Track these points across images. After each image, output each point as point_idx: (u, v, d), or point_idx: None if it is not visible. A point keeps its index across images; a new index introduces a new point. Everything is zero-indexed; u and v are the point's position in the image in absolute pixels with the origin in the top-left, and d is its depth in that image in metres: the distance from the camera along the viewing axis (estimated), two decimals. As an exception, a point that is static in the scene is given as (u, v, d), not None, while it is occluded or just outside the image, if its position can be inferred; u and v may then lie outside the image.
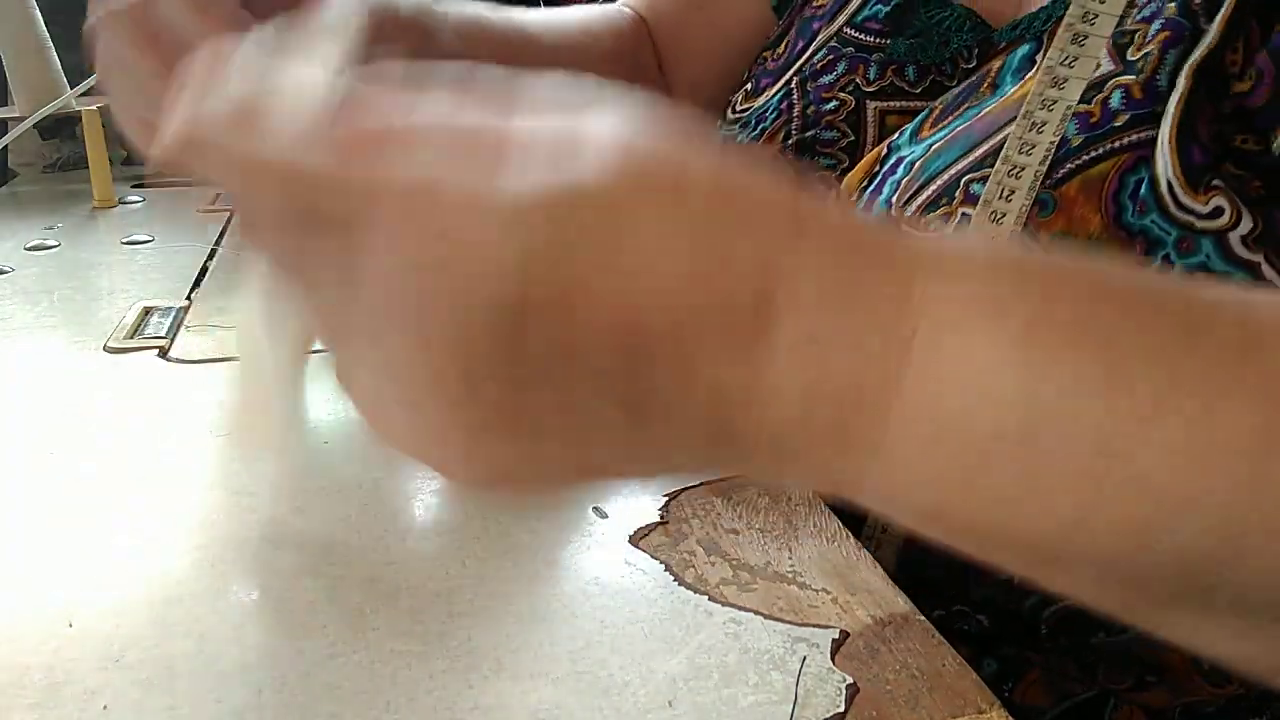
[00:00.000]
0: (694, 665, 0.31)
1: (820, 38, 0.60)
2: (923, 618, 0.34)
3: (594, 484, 0.24)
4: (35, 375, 0.55)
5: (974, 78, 0.51)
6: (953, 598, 0.45)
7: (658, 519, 0.40)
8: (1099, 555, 0.21)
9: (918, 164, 0.48)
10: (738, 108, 0.62)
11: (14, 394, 0.53)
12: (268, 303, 0.29)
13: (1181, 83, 0.41)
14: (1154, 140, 0.41)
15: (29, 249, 0.79)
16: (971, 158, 0.46)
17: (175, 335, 0.60)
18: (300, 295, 0.24)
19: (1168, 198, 0.40)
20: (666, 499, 0.41)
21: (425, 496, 0.42)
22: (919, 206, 0.47)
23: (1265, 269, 0.40)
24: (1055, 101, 0.43)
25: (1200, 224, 0.40)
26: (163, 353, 0.58)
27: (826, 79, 0.57)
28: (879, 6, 0.58)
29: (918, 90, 0.54)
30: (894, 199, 0.48)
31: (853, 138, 0.55)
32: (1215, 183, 0.40)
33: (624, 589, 0.35)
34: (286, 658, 0.32)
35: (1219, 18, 0.41)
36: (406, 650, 0.32)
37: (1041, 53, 0.47)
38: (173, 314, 0.64)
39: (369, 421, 0.24)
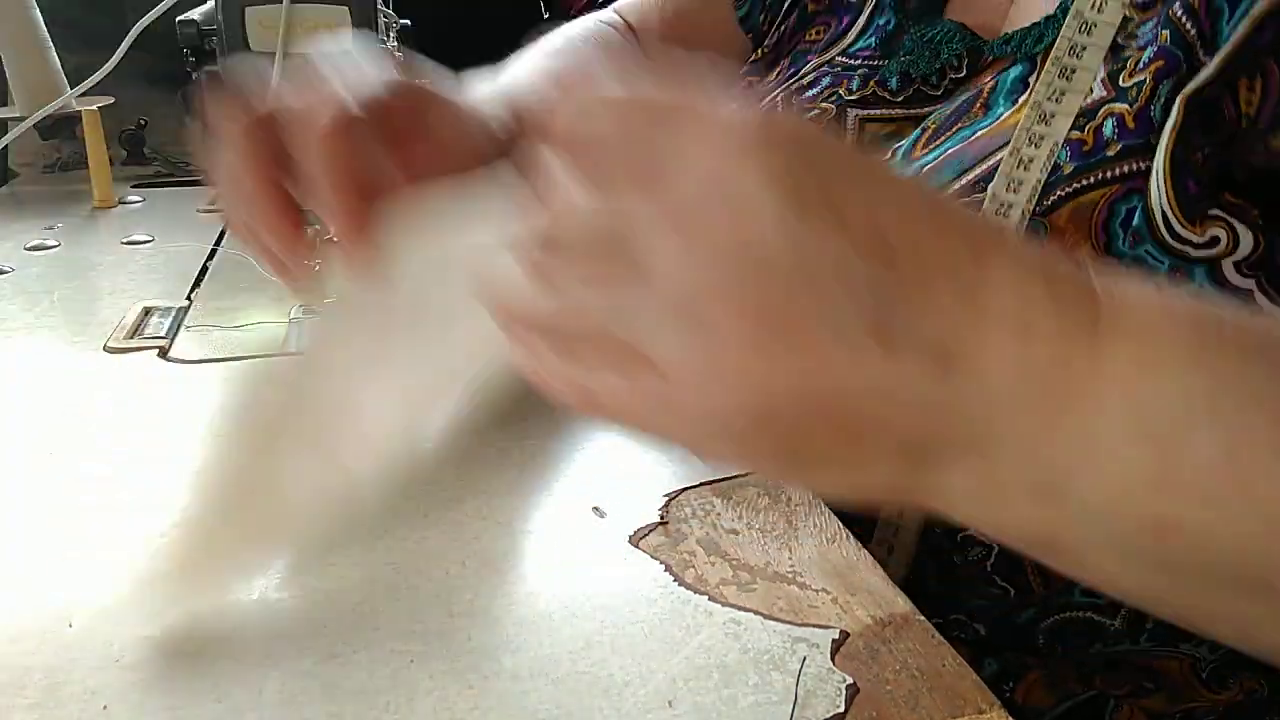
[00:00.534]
0: (694, 665, 0.31)
1: (812, 64, 0.60)
2: (922, 618, 0.34)
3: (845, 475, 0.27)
4: (35, 375, 0.55)
5: (966, 95, 0.51)
6: (950, 607, 0.45)
7: (658, 519, 0.40)
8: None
9: None
10: None
11: (14, 394, 0.53)
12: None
13: (1175, 114, 0.40)
14: (1146, 171, 0.41)
15: (29, 249, 0.79)
16: (962, 183, 0.46)
17: (175, 335, 0.60)
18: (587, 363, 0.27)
19: (1163, 229, 0.40)
20: (666, 499, 0.41)
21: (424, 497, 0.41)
22: None
23: (1258, 295, 0.40)
24: (1042, 138, 0.43)
25: (1195, 253, 0.40)
26: (163, 353, 0.58)
27: (811, 92, 0.58)
28: (871, 39, 0.58)
29: (899, 99, 0.54)
30: None
31: None
32: (1212, 213, 0.40)
33: (624, 589, 0.35)
34: (287, 658, 0.32)
35: (1222, 52, 0.39)
36: (406, 650, 0.32)
37: (1035, 76, 0.47)
38: (173, 314, 0.64)
39: (677, 427, 0.27)
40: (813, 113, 0.56)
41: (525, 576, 0.37)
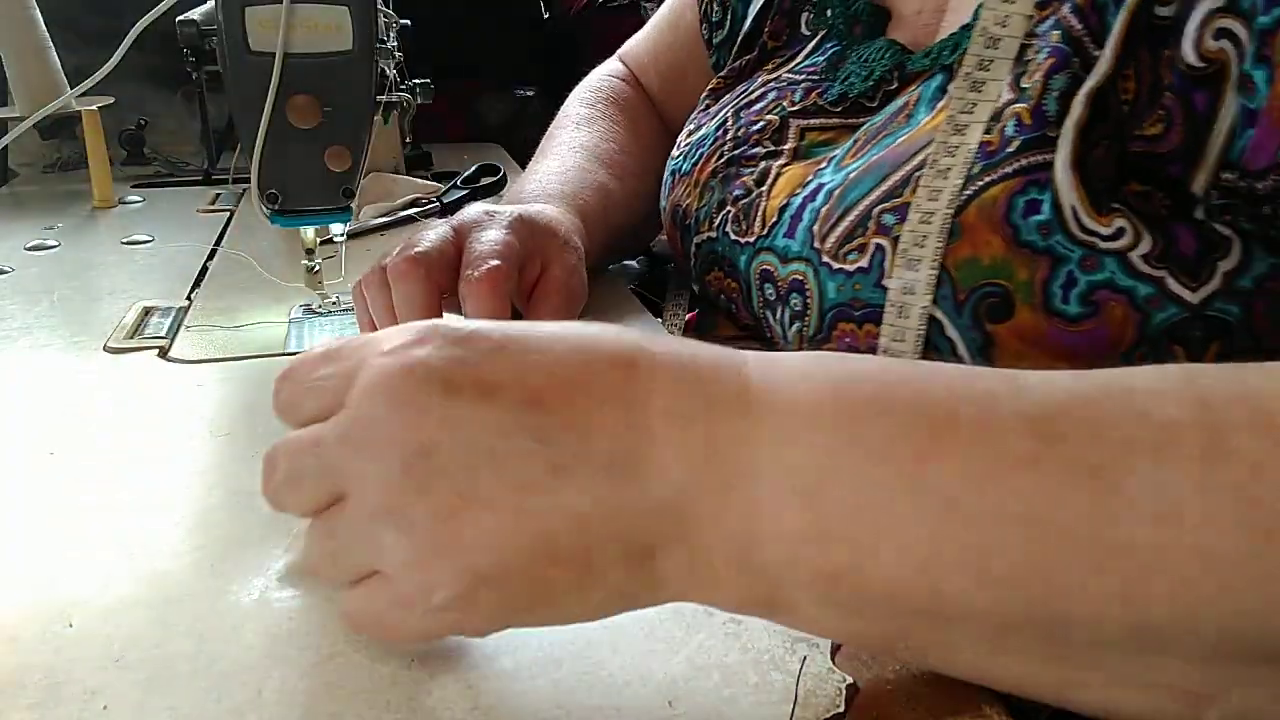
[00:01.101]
0: (694, 665, 0.31)
1: (759, 80, 0.63)
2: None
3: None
4: (35, 375, 0.55)
5: (894, 106, 0.53)
6: None
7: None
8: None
9: (836, 192, 0.50)
10: (681, 144, 0.66)
11: (14, 394, 0.53)
12: None
13: (1077, 109, 0.41)
14: (1044, 164, 0.42)
15: (29, 249, 0.79)
16: (883, 188, 0.47)
17: (175, 335, 0.60)
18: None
19: (1071, 221, 0.41)
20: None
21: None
22: (837, 238, 0.48)
23: (1170, 283, 0.41)
24: (957, 148, 0.45)
25: (1103, 244, 0.41)
26: (163, 353, 0.58)
27: (757, 106, 0.61)
28: (818, 58, 0.61)
29: (837, 109, 0.57)
30: (815, 227, 0.49)
31: (773, 149, 0.57)
32: (1116, 205, 0.41)
33: (624, 589, 0.35)
34: (286, 658, 0.32)
35: (1110, 44, 0.41)
36: (406, 650, 0.32)
37: (952, 83, 0.49)
38: (173, 314, 0.64)
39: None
40: (757, 125, 0.59)
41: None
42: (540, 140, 0.79)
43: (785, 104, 0.59)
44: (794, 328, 0.51)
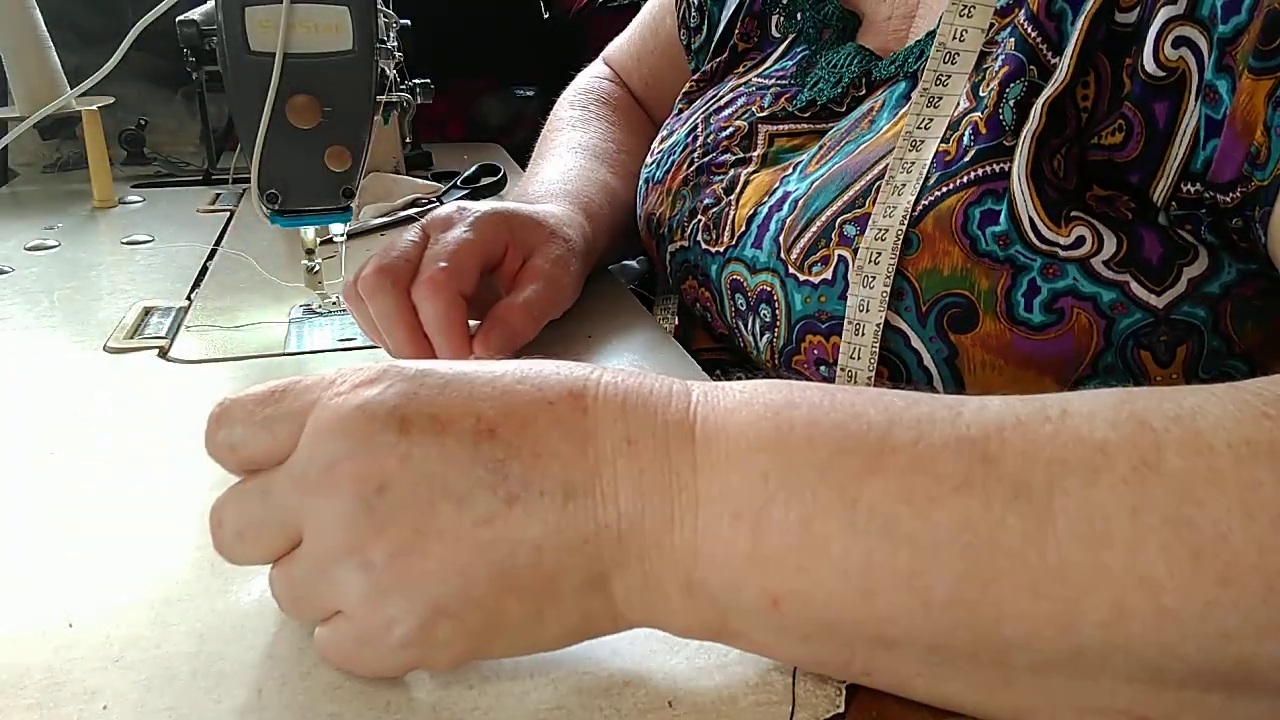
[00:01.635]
0: (694, 665, 0.31)
1: (729, 85, 0.64)
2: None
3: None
4: (35, 375, 0.55)
5: (859, 112, 0.53)
6: None
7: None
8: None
9: (800, 202, 0.50)
10: (654, 151, 0.66)
11: (14, 394, 0.53)
12: None
13: (1034, 120, 0.41)
14: (1000, 174, 0.42)
15: (29, 249, 0.79)
16: (844, 198, 0.47)
17: (175, 335, 0.60)
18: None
19: (1030, 232, 0.41)
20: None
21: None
22: (802, 249, 0.48)
23: (1134, 288, 0.41)
24: (913, 164, 0.45)
25: (1063, 253, 0.41)
26: (163, 353, 0.58)
27: (727, 111, 0.61)
28: (787, 63, 0.61)
29: (805, 114, 0.57)
30: (780, 238, 0.50)
31: (741, 156, 0.57)
32: (1075, 214, 0.41)
33: (624, 589, 0.35)
34: (286, 658, 0.32)
35: (1068, 53, 0.41)
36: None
37: (916, 90, 0.49)
38: (173, 314, 0.64)
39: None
40: (727, 131, 0.59)
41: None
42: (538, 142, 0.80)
43: (754, 109, 0.59)
44: (764, 338, 0.51)
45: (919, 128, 0.45)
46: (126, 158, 1.09)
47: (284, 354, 0.58)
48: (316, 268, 0.62)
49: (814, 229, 0.48)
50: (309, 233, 0.60)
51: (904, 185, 0.44)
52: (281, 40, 0.51)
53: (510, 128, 1.35)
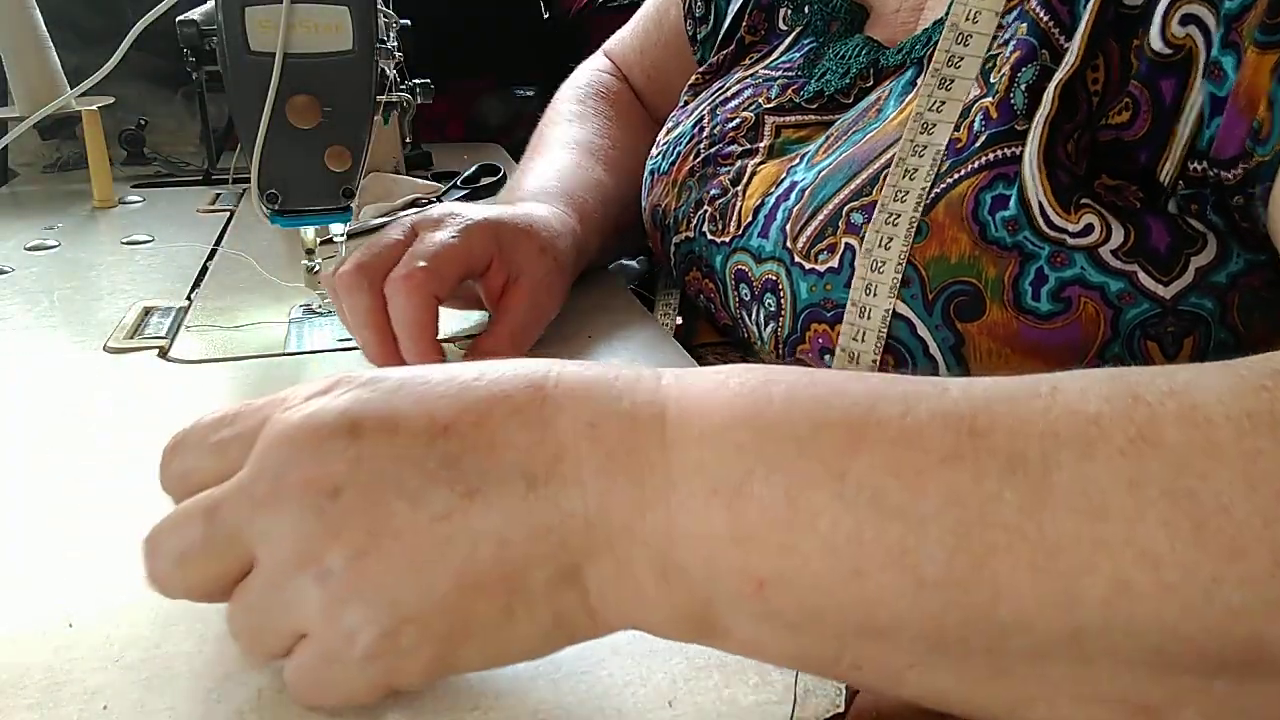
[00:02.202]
0: (694, 665, 0.31)
1: (735, 77, 0.63)
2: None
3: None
4: (35, 375, 0.55)
5: (866, 102, 0.53)
6: None
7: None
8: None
9: (807, 191, 0.49)
10: (660, 142, 0.66)
11: (14, 394, 0.53)
12: None
13: (1047, 104, 0.41)
14: (1011, 158, 0.42)
15: (29, 249, 0.79)
16: (851, 186, 0.47)
17: (175, 335, 0.60)
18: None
19: (1039, 218, 0.41)
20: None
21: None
22: (809, 238, 0.48)
23: (1142, 278, 0.40)
24: (925, 147, 0.44)
25: (1072, 241, 0.41)
26: (163, 353, 0.58)
27: (733, 103, 0.60)
28: (794, 54, 0.61)
29: (813, 106, 0.56)
30: (787, 227, 0.49)
31: (748, 147, 0.57)
32: (1085, 201, 0.41)
33: (624, 589, 0.35)
34: (286, 658, 0.32)
35: (1079, 36, 0.41)
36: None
37: (922, 78, 0.48)
38: (173, 314, 0.64)
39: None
40: (733, 122, 0.59)
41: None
42: None
43: (761, 101, 0.58)
44: (769, 328, 0.51)
45: (930, 109, 0.45)
46: (126, 158, 1.09)
47: (284, 354, 0.58)
48: (316, 268, 0.62)
49: (821, 217, 0.48)
50: (309, 233, 0.60)
51: (916, 170, 0.44)
52: (281, 40, 0.51)
53: (510, 128, 1.35)
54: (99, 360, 0.57)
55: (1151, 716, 0.25)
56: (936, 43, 0.47)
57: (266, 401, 0.30)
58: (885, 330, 0.44)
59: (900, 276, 0.44)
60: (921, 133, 0.45)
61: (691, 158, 0.60)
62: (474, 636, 0.27)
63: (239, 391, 0.53)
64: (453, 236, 0.52)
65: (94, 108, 0.93)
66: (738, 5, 0.68)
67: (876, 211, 0.45)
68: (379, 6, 0.61)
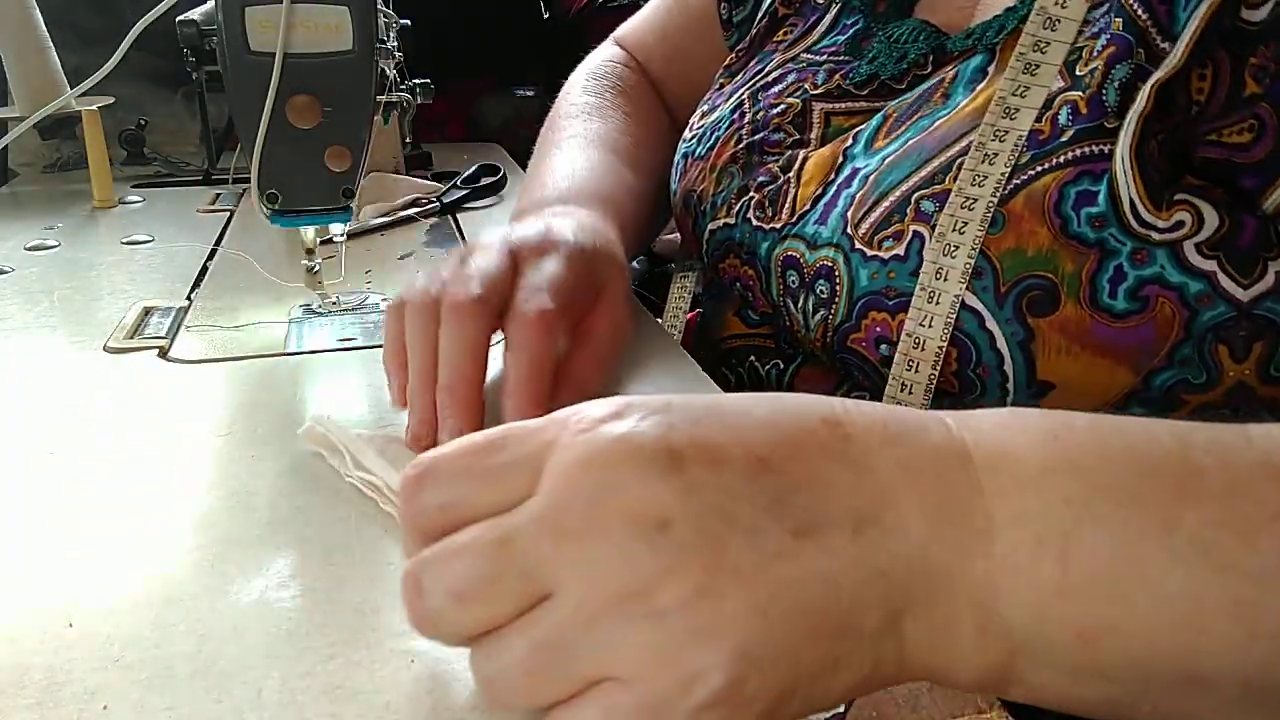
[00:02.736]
0: (694, 665, 0.31)
1: (776, 60, 0.61)
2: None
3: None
4: (35, 375, 0.55)
5: (928, 85, 0.51)
6: None
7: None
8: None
9: (871, 178, 0.48)
10: (694, 125, 0.64)
11: (14, 394, 0.53)
12: None
13: (1142, 100, 0.40)
14: (1100, 155, 0.41)
15: (29, 249, 0.79)
16: (922, 174, 0.46)
17: (175, 335, 0.60)
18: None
19: (1129, 215, 0.40)
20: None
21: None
22: (872, 224, 0.47)
23: (1222, 279, 0.40)
24: (1007, 132, 0.44)
25: (1158, 236, 0.40)
26: (163, 353, 0.58)
27: (776, 88, 0.59)
28: (837, 37, 0.59)
29: (864, 93, 0.55)
30: (849, 213, 0.48)
31: (798, 136, 0.56)
32: (1179, 198, 0.40)
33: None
34: (286, 658, 0.32)
35: (1185, 40, 0.40)
36: (406, 650, 0.32)
37: (994, 65, 0.48)
38: (173, 314, 0.64)
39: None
40: (778, 108, 0.57)
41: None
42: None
43: (807, 87, 0.57)
44: (818, 315, 0.50)
45: (1013, 94, 0.44)
46: (126, 158, 1.09)
47: (284, 354, 0.58)
48: (316, 268, 0.62)
49: (886, 204, 0.47)
50: (309, 233, 0.60)
51: (996, 155, 0.43)
52: (281, 40, 0.51)
53: (510, 128, 1.35)
54: (99, 360, 0.57)
55: None
56: (1010, 30, 0.46)
57: (540, 425, 0.28)
58: (954, 317, 0.43)
59: (973, 263, 0.43)
60: (1004, 117, 0.44)
61: (733, 143, 0.58)
62: (801, 686, 0.25)
63: (239, 391, 0.53)
64: (564, 264, 0.47)
65: (94, 108, 0.93)
66: None
67: (953, 195, 0.44)
68: (379, 6, 0.61)
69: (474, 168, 1.01)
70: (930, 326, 0.44)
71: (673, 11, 0.79)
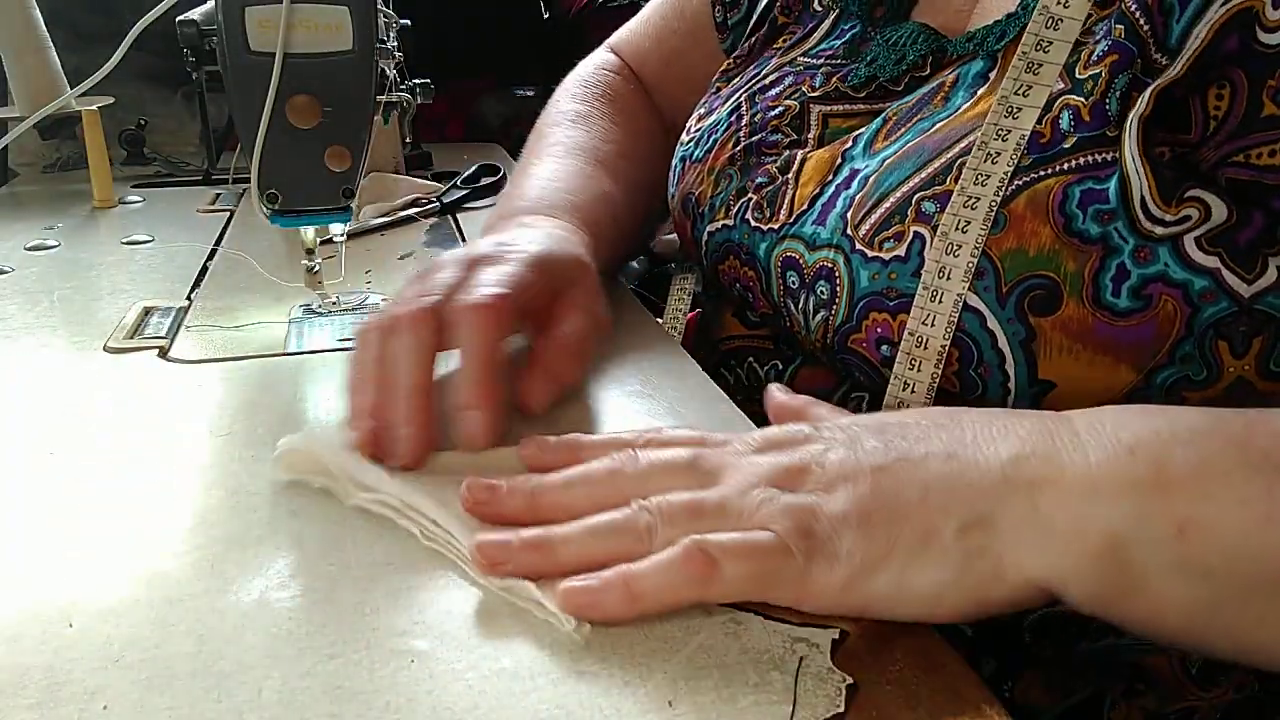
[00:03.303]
0: (694, 665, 0.31)
1: (773, 64, 0.62)
2: (923, 618, 0.34)
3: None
4: (35, 375, 0.55)
5: (928, 88, 0.51)
6: None
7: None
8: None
9: (871, 179, 0.48)
10: (691, 129, 0.64)
11: (14, 394, 0.53)
12: None
13: (1142, 105, 0.41)
14: (1103, 162, 0.41)
15: (29, 249, 0.79)
16: (923, 175, 0.46)
17: (175, 335, 0.60)
18: None
19: (1139, 210, 0.40)
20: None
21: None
22: (872, 225, 0.47)
23: (1226, 275, 0.40)
24: (1009, 131, 0.44)
25: (1162, 231, 0.40)
26: (163, 353, 0.58)
27: (774, 91, 0.59)
28: (835, 41, 0.59)
29: (862, 95, 0.55)
30: (848, 214, 0.48)
31: (795, 138, 0.56)
32: (1190, 194, 0.40)
33: (624, 589, 0.35)
34: (286, 658, 0.32)
35: (1188, 53, 0.40)
36: (406, 650, 0.32)
37: (995, 71, 0.48)
38: (173, 314, 0.64)
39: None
40: (776, 110, 0.57)
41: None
42: None
43: (805, 89, 0.57)
44: (819, 316, 0.50)
45: (1015, 93, 0.44)
46: (126, 158, 1.09)
47: (284, 354, 0.58)
48: (316, 268, 0.62)
49: (887, 205, 0.47)
50: (309, 233, 0.60)
51: (999, 154, 0.43)
52: (281, 40, 0.51)
53: (510, 128, 1.35)
54: (99, 360, 0.57)
55: None
56: (1012, 37, 0.46)
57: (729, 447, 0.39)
58: (956, 315, 0.43)
59: (975, 261, 0.43)
60: (1006, 116, 0.44)
61: (730, 145, 0.58)
62: (894, 561, 0.33)
63: (239, 391, 0.53)
64: (520, 269, 0.48)
65: (94, 108, 0.93)
66: None
67: (955, 194, 0.44)
68: (379, 6, 0.61)
69: (474, 168, 1.01)
70: (933, 325, 0.44)
71: (668, 16, 0.79)
